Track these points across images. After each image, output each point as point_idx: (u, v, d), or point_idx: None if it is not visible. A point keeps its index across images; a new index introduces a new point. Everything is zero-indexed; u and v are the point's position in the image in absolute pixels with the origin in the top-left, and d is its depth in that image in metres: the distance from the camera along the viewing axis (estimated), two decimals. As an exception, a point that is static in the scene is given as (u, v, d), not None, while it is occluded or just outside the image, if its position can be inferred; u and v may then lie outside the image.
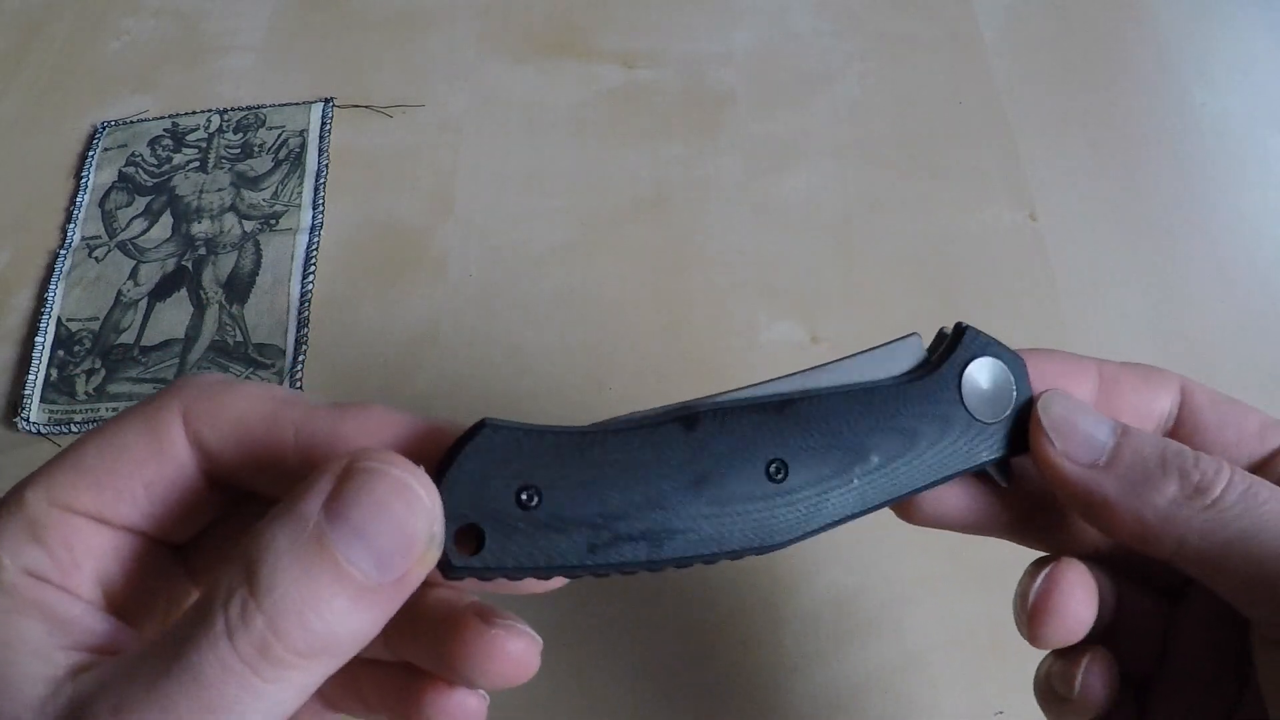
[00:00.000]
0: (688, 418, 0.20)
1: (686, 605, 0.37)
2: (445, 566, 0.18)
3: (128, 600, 0.19)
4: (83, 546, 0.19)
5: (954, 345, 0.22)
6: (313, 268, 0.45)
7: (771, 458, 0.20)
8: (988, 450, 0.22)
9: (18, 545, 0.18)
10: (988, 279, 0.44)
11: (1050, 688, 0.25)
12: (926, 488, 0.22)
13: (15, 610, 0.17)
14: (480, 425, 0.19)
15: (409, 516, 0.17)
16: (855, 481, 0.21)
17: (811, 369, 0.22)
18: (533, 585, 0.20)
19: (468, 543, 0.18)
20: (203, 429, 0.19)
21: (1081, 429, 0.21)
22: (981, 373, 0.22)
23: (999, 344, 0.22)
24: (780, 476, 0.20)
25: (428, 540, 0.17)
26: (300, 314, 0.43)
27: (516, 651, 0.20)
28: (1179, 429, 0.24)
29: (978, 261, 0.44)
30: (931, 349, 0.23)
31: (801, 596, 0.37)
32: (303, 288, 0.44)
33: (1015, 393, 0.22)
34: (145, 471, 0.19)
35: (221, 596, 0.16)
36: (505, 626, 0.20)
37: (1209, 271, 0.44)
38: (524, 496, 0.18)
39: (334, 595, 0.16)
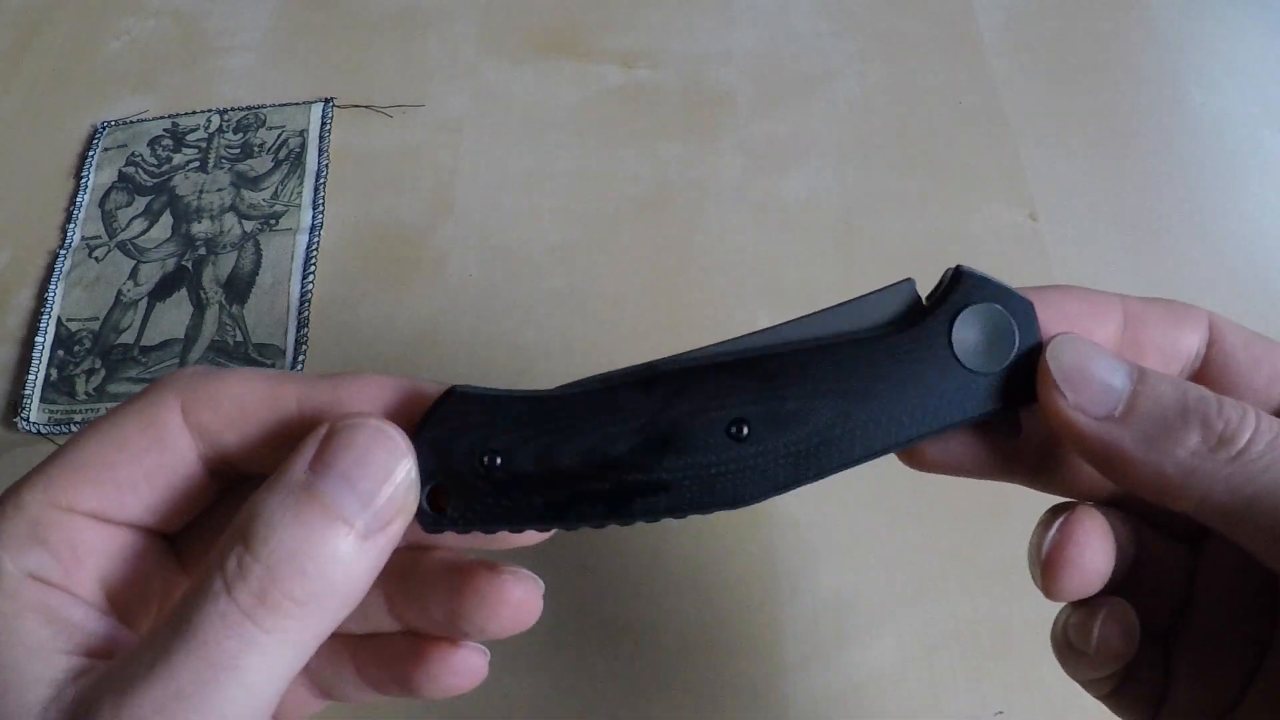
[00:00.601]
0: (648, 379, 0.20)
1: (686, 605, 0.37)
2: (422, 518, 0.19)
3: (127, 596, 0.19)
4: (84, 546, 0.19)
5: (949, 290, 0.21)
6: (313, 268, 0.45)
7: (734, 417, 0.20)
8: (985, 403, 0.20)
9: (19, 547, 0.18)
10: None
11: (1067, 641, 0.23)
12: (911, 443, 0.20)
13: (18, 614, 0.17)
14: (449, 392, 0.20)
15: (387, 458, 0.18)
16: (822, 439, 0.20)
17: (794, 320, 0.21)
18: (509, 539, 0.21)
19: (440, 502, 0.20)
20: (203, 415, 0.19)
21: (1096, 377, 0.19)
22: (976, 319, 0.20)
23: (1002, 286, 0.21)
24: (743, 435, 0.20)
25: (406, 482, 0.18)
26: (300, 314, 0.43)
27: (524, 594, 0.21)
28: (1207, 370, 0.22)
29: (978, 261, 0.44)
30: (930, 295, 0.21)
31: (801, 596, 0.37)
32: (303, 288, 0.44)
33: (1018, 339, 0.20)
34: (145, 464, 0.19)
35: (217, 560, 0.17)
36: (512, 572, 0.21)
37: (1209, 271, 0.44)
38: (485, 460, 0.19)
39: (326, 539, 0.17)
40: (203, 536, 0.21)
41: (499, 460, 0.20)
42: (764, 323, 0.44)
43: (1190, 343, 0.22)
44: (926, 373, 0.20)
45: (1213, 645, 0.23)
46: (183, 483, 0.20)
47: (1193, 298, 0.42)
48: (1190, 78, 0.50)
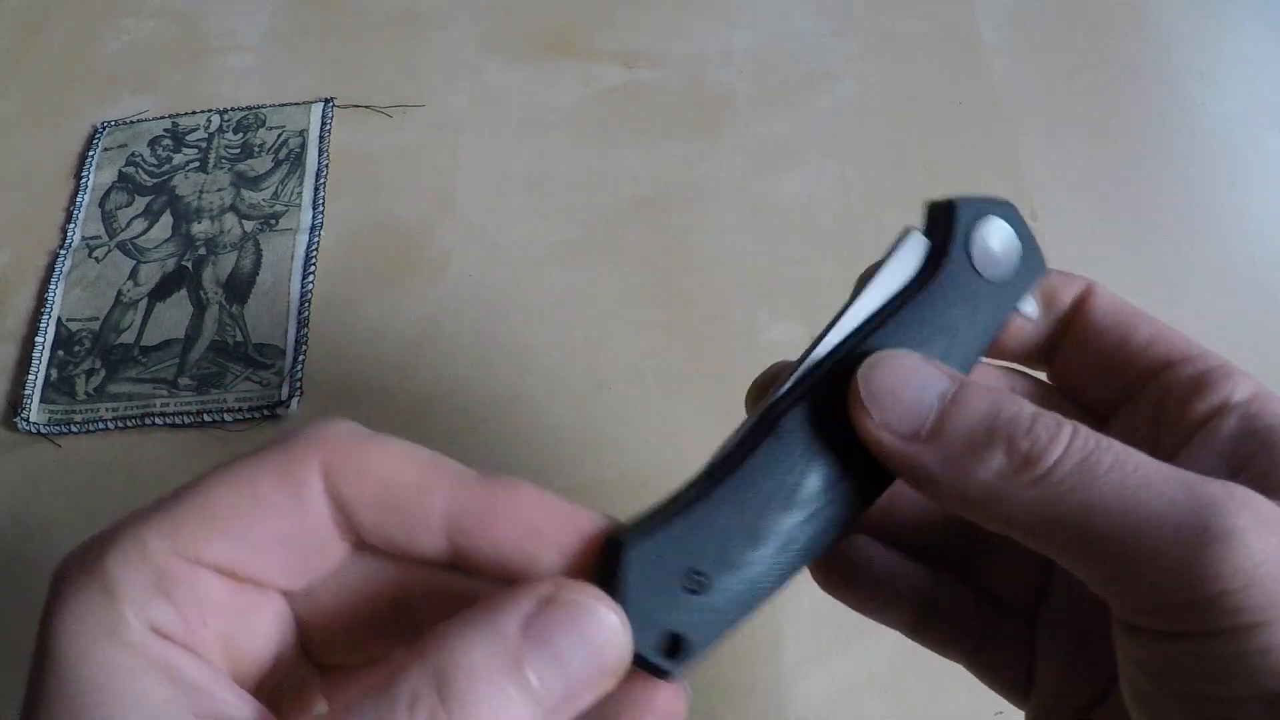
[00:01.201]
0: (769, 426, 0.21)
1: (686, 605, 0.37)
2: (662, 674, 0.19)
3: (247, 661, 0.19)
4: (211, 603, 0.18)
5: (950, 224, 0.22)
6: (313, 268, 0.45)
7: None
8: (1011, 300, 0.22)
9: (144, 598, 0.17)
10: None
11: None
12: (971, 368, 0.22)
13: (141, 671, 0.16)
14: (618, 546, 0.19)
15: (607, 651, 0.17)
16: None
17: (845, 312, 0.21)
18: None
19: (675, 647, 0.19)
20: (345, 487, 0.18)
21: (904, 397, 0.19)
22: (986, 237, 0.22)
23: (984, 200, 0.22)
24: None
25: (610, 669, 0.17)
26: (300, 314, 0.43)
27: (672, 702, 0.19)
28: (1071, 330, 0.23)
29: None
30: (928, 231, 0.22)
31: (802, 596, 0.37)
32: (303, 288, 0.44)
33: (1018, 238, 0.22)
34: (280, 524, 0.18)
35: (406, 700, 0.16)
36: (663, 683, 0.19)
37: (1209, 271, 0.44)
38: (691, 589, 0.19)
39: (519, 715, 0.16)
40: (322, 598, 0.20)
41: (705, 580, 0.19)
42: (764, 322, 0.44)
43: (1062, 300, 0.23)
44: (970, 299, 0.21)
45: (1073, 630, 0.23)
46: (316, 545, 0.18)
47: (1192, 297, 0.42)
48: (1190, 78, 0.50)
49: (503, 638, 0.16)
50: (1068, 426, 0.18)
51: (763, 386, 0.24)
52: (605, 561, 0.19)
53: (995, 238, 0.22)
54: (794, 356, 0.22)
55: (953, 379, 0.20)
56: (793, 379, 0.21)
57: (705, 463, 0.21)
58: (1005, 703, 0.35)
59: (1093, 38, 0.52)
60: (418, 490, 0.19)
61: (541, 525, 0.19)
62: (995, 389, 0.20)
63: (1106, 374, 0.23)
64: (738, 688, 0.35)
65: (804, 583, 0.37)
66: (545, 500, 0.19)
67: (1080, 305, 0.23)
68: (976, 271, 0.22)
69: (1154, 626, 0.18)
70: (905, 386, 0.20)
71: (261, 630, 0.19)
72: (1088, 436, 0.18)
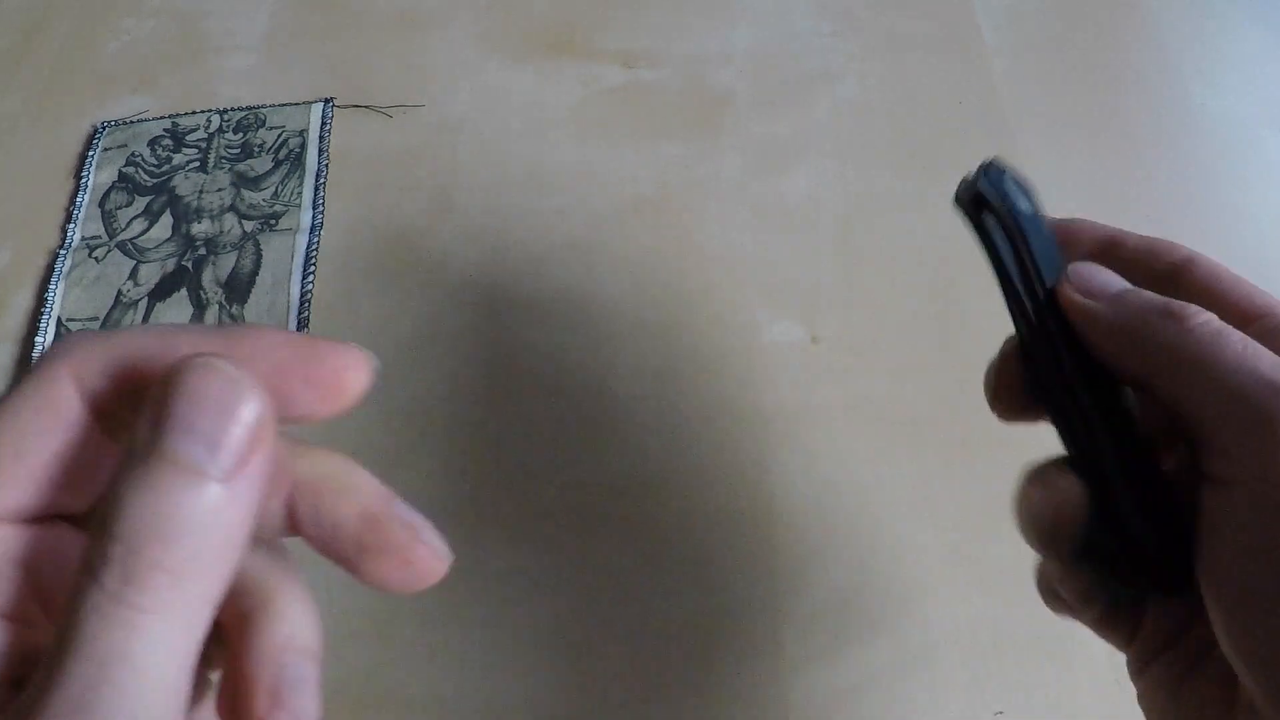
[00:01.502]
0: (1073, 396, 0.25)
1: (686, 605, 0.37)
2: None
3: (36, 598, 0.18)
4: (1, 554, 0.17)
5: (997, 190, 0.28)
6: (313, 268, 0.45)
7: None
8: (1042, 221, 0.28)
9: None
10: (988, 278, 0.44)
11: (1050, 588, 0.27)
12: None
13: None
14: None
15: (223, 393, 0.16)
16: None
17: (1012, 283, 0.28)
18: None
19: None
20: (94, 382, 0.18)
21: (1097, 278, 0.25)
22: (1014, 188, 0.28)
23: (987, 170, 0.28)
24: None
25: (253, 416, 0.17)
26: (300, 314, 0.43)
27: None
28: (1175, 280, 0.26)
29: (978, 261, 0.44)
30: (975, 207, 0.29)
31: (801, 596, 0.37)
32: (303, 288, 0.44)
33: (1020, 182, 0.28)
34: (47, 447, 0.18)
35: (85, 552, 0.16)
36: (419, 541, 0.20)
37: (1209, 271, 0.44)
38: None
39: (182, 495, 0.16)
40: None
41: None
42: (764, 322, 0.44)
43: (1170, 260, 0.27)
44: (1038, 226, 0.28)
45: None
46: (85, 459, 0.18)
47: (1193, 298, 0.41)
48: (1190, 78, 0.50)
49: (136, 439, 0.16)
50: (1212, 313, 0.23)
51: (1006, 371, 0.27)
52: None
53: (1015, 185, 0.28)
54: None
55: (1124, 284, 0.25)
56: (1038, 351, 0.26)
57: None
58: (1005, 702, 0.35)
59: (1093, 38, 0.52)
60: (165, 358, 0.18)
61: (286, 362, 0.18)
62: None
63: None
64: (738, 687, 0.35)
65: (804, 581, 0.37)
66: (284, 336, 0.19)
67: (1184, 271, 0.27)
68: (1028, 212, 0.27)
69: (1228, 474, 0.21)
70: (1097, 274, 0.25)
71: (51, 559, 0.18)
72: (1221, 322, 0.22)
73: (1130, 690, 0.35)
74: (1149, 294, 0.24)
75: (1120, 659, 0.32)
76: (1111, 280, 0.25)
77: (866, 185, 0.47)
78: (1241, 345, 0.21)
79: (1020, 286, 0.27)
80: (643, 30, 0.53)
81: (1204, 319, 0.22)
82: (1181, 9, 0.53)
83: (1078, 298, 0.25)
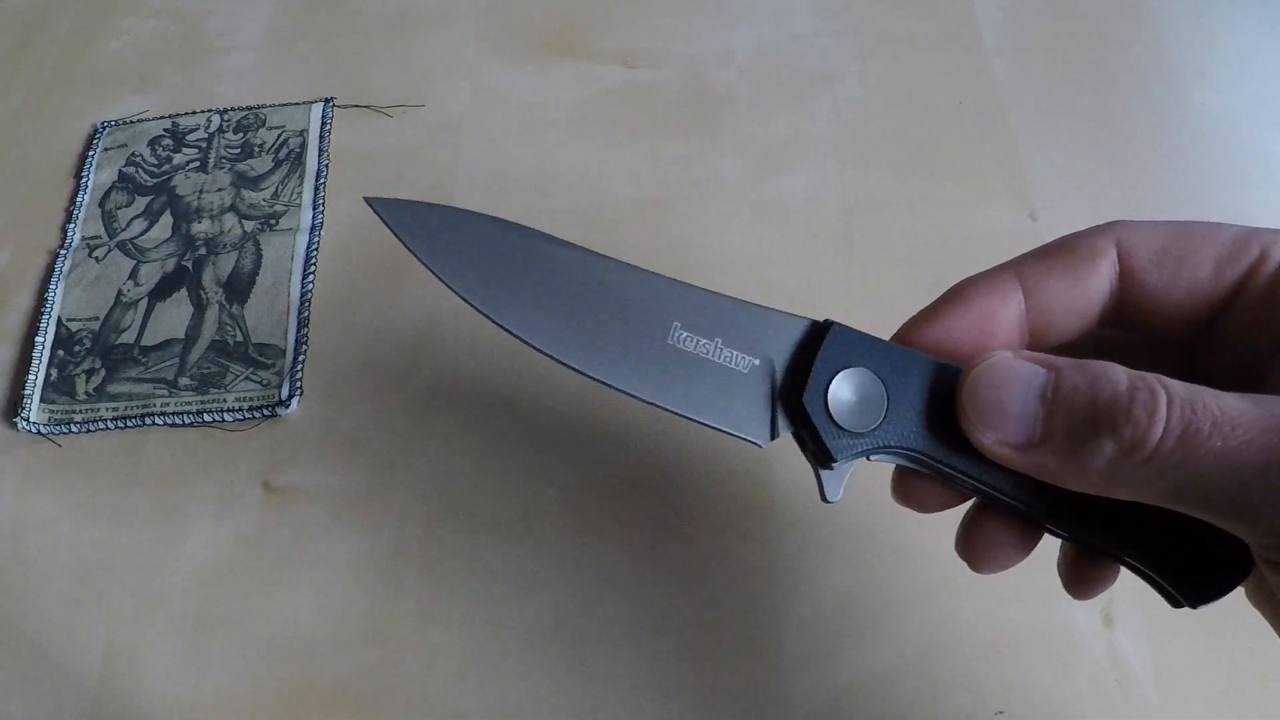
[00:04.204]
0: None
1: (686, 605, 0.37)
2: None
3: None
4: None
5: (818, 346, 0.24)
6: (313, 268, 0.45)
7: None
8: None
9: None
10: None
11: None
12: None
13: None
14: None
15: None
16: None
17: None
18: None
19: None
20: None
21: (1009, 411, 0.21)
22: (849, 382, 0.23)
23: (871, 342, 0.24)
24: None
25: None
26: (300, 314, 0.43)
27: None
28: (1124, 301, 0.23)
29: (978, 261, 0.44)
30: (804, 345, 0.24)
31: (801, 596, 0.37)
32: (303, 288, 0.44)
33: (888, 403, 0.23)
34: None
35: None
36: None
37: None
38: None
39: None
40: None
41: None
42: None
43: (1097, 289, 0.23)
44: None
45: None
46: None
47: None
48: (1190, 78, 0.50)
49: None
50: (1162, 396, 0.19)
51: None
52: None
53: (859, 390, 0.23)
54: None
55: (1048, 366, 0.21)
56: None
57: None
58: (1005, 702, 0.35)
59: (1092, 38, 0.52)
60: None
61: None
62: (1088, 364, 0.20)
63: (1184, 316, 0.23)
64: (738, 687, 0.35)
65: (804, 581, 0.37)
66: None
67: (1123, 265, 0.23)
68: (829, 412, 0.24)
69: None
70: (1008, 397, 0.21)
71: None
72: (1184, 403, 0.19)
73: (1129, 690, 0.35)
74: (1079, 413, 0.20)
75: (1119, 659, 0.32)
76: (1025, 401, 0.21)
77: (866, 185, 0.47)
78: (1219, 437, 0.19)
79: (956, 471, 0.23)
80: (643, 30, 0.53)
81: (1171, 437, 0.19)
82: (1181, 9, 0.53)
83: (1005, 451, 0.21)
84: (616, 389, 0.24)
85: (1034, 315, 0.23)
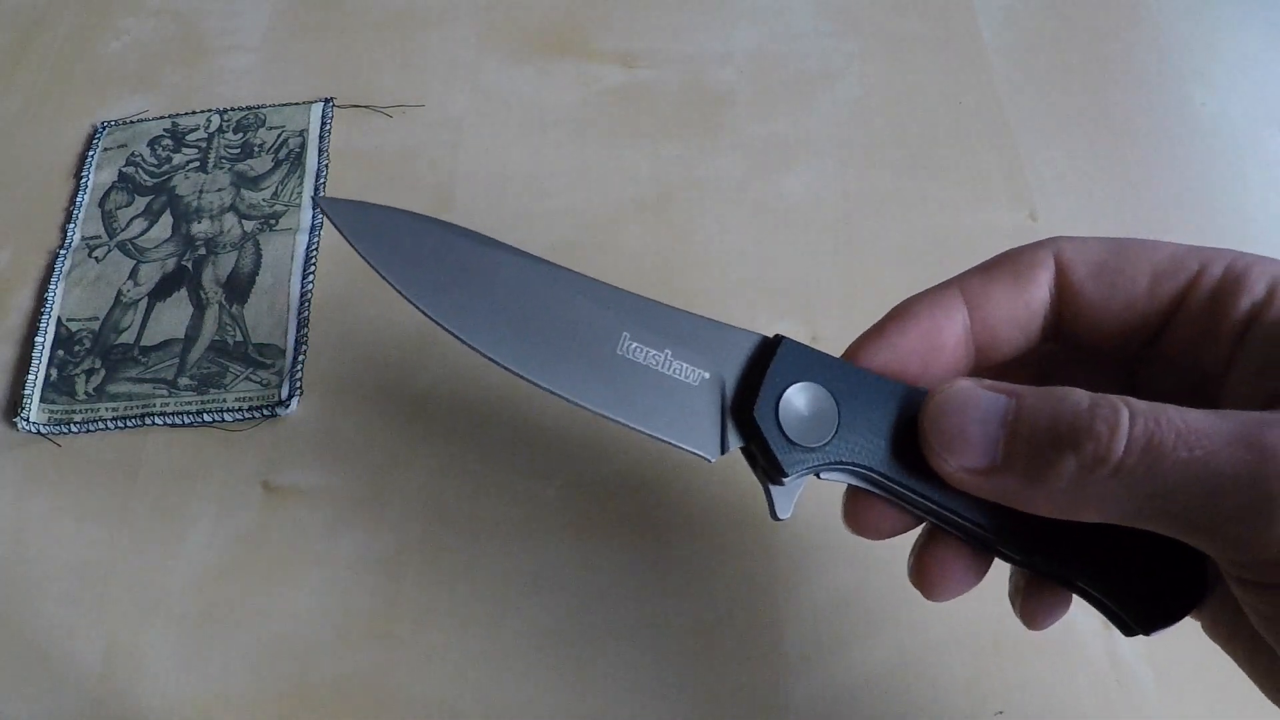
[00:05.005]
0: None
1: (686, 604, 0.37)
2: None
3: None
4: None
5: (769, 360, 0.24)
6: (313, 268, 0.45)
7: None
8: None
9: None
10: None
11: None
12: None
13: None
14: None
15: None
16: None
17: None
18: None
19: None
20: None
21: (971, 438, 0.21)
22: (800, 396, 0.23)
23: (820, 358, 0.24)
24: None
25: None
26: (300, 314, 0.43)
27: None
28: (1063, 314, 0.23)
29: (977, 261, 0.44)
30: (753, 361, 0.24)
31: (802, 596, 0.37)
32: (303, 288, 0.44)
33: (839, 418, 0.23)
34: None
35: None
36: None
37: (1209, 271, 0.44)
38: None
39: None
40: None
41: None
42: (764, 322, 0.44)
43: (1039, 300, 0.23)
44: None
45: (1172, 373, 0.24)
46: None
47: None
48: (1190, 78, 0.50)
49: None
50: (1124, 411, 0.19)
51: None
52: None
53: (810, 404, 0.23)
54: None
55: (1010, 394, 0.21)
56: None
57: None
58: (1005, 702, 0.35)
59: (1092, 38, 0.52)
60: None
61: None
62: (1050, 389, 0.20)
63: (1122, 331, 0.23)
64: (738, 687, 0.35)
65: (804, 580, 0.37)
66: None
67: (1061, 277, 0.23)
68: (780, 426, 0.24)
69: (1252, 579, 0.19)
70: (970, 422, 0.21)
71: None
72: (1146, 417, 0.19)
73: (1129, 690, 0.35)
74: (1041, 434, 0.20)
75: (1119, 659, 0.32)
76: (986, 427, 0.21)
77: (866, 185, 0.47)
78: (1184, 449, 0.18)
79: (909, 490, 0.22)
80: (643, 30, 0.53)
81: (1135, 449, 0.19)
82: (1181, 9, 0.53)
83: (968, 478, 0.21)
84: (563, 397, 0.23)
85: (978, 329, 0.24)
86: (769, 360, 0.23)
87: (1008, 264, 0.24)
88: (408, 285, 0.24)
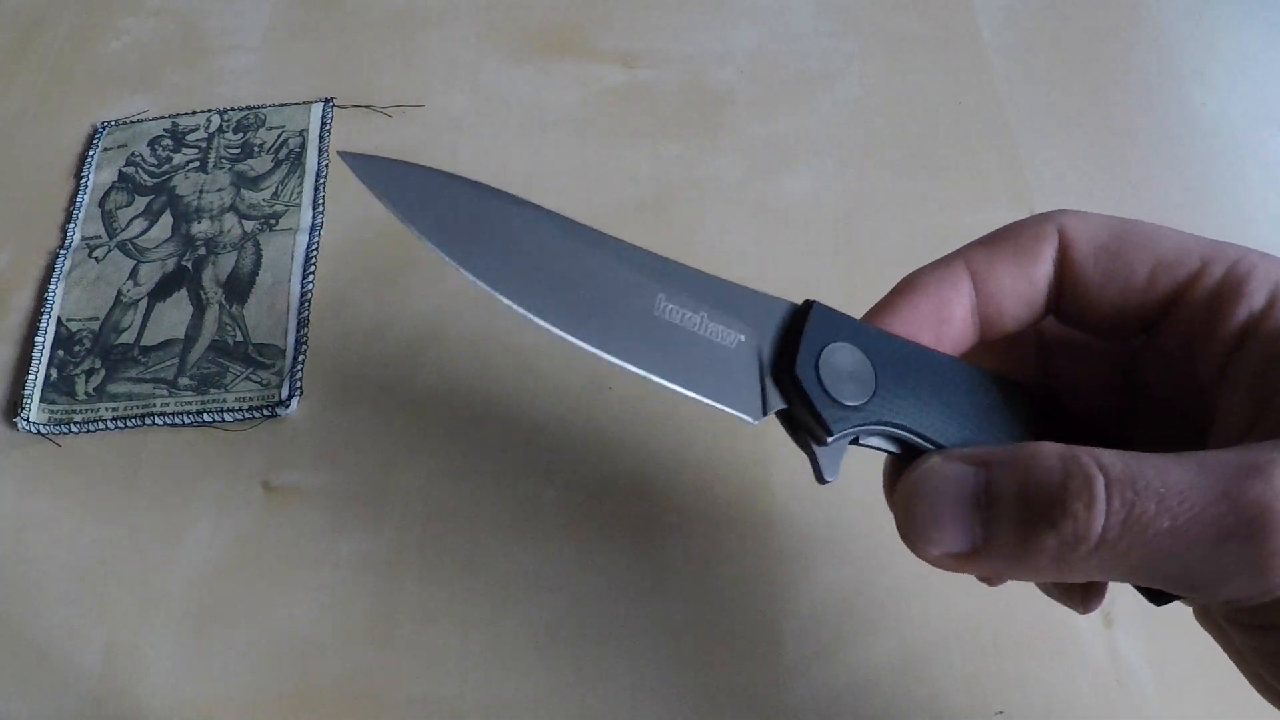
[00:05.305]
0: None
1: (687, 605, 0.37)
2: None
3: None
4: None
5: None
6: (313, 268, 0.45)
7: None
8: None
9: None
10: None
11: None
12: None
13: None
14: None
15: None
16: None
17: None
18: None
19: None
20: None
21: (946, 524, 0.20)
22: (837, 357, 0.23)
23: (849, 322, 0.24)
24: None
25: None
26: (300, 314, 0.43)
27: None
28: (1063, 291, 0.23)
29: (978, 261, 0.44)
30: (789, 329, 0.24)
31: (802, 595, 0.37)
32: (303, 288, 0.44)
33: (876, 376, 0.23)
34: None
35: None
36: None
37: (1209, 271, 0.44)
38: None
39: None
40: None
41: None
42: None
43: (1042, 274, 0.23)
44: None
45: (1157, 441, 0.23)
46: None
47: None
48: (1190, 78, 0.50)
49: None
50: (1098, 482, 0.18)
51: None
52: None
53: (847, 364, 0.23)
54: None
55: (979, 464, 0.20)
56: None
57: None
58: (1005, 702, 0.35)
59: (1092, 38, 0.52)
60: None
61: None
62: (1019, 453, 0.20)
63: (1119, 316, 0.23)
64: (737, 687, 0.35)
65: (804, 580, 0.37)
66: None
67: (1063, 253, 0.23)
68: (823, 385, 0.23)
69: (1246, 622, 0.19)
70: (942, 508, 0.20)
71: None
72: (1122, 485, 0.18)
73: (1129, 690, 0.35)
74: (1017, 514, 0.19)
75: (1119, 659, 0.32)
76: (959, 511, 0.20)
77: (866, 185, 0.47)
78: (1166, 516, 0.18)
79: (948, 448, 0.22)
80: (643, 30, 0.53)
81: (1114, 526, 0.18)
82: (1181, 9, 0.53)
83: (952, 562, 0.21)
84: (603, 356, 0.23)
85: (984, 302, 0.23)
86: (803, 324, 0.23)
87: (1012, 237, 0.23)
88: (441, 241, 0.23)
